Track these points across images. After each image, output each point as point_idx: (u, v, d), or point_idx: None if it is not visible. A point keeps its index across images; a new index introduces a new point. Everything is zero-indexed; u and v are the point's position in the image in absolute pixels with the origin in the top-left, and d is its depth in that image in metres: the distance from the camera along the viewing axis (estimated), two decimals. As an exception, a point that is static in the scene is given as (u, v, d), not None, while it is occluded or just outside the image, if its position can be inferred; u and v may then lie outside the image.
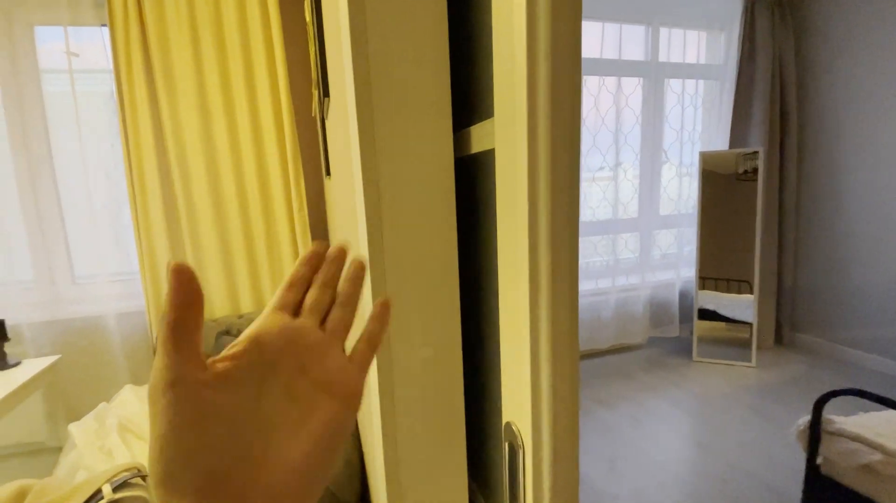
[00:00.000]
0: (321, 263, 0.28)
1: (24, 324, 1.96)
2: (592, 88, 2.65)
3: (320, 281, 0.27)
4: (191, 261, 2.06)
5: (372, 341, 0.27)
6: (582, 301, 2.81)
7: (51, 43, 1.96)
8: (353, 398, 0.25)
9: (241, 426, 0.22)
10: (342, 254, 0.28)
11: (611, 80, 2.65)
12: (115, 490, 0.71)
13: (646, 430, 2.06)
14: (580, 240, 2.86)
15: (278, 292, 0.27)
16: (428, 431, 0.46)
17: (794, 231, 2.92)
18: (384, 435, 0.43)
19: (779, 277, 2.96)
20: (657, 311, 3.02)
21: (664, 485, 1.71)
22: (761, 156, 2.57)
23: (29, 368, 1.64)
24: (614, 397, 2.37)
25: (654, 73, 2.78)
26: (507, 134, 0.41)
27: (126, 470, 0.78)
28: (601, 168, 2.76)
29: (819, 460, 1.27)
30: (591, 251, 2.90)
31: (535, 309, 0.33)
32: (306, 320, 0.26)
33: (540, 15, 0.35)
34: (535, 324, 0.34)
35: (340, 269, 0.28)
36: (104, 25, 1.94)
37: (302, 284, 0.27)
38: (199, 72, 2.00)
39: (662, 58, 2.81)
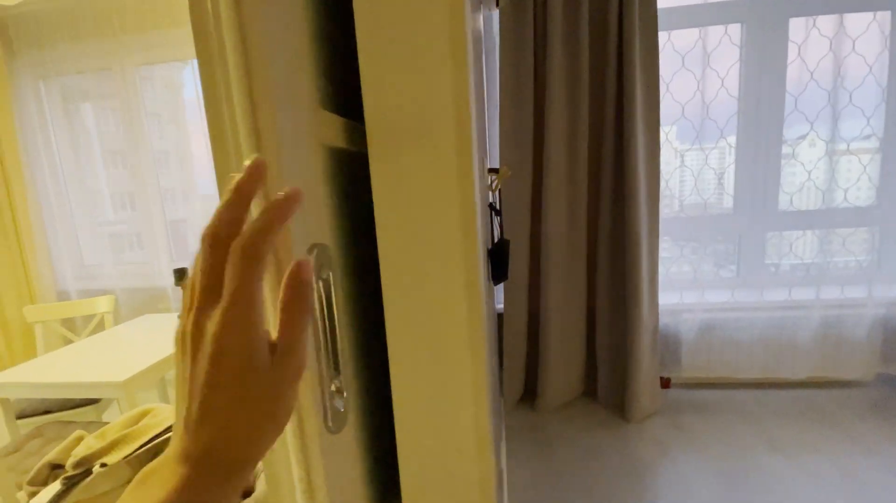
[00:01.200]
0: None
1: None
2: (796, 34, 1.99)
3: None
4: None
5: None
6: (764, 314, 2.20)
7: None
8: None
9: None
10: None
11: (826, 21, 1.95)
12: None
13: (834, 496, 1.51)
14: (770, 234, 2.23)
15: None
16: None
17: None
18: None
19: None
20: (893, 339, 2.15)
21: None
22: None
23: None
24: (797, 444, 1.80)
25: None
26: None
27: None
28: (801, 138, 2.07)
29: None
30: (784, 250, 2.24)
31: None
32: None
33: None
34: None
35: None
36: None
37: None
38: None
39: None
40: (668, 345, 2.31)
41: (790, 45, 2.02)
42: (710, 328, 2.26)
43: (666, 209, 2.29)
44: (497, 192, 1.37)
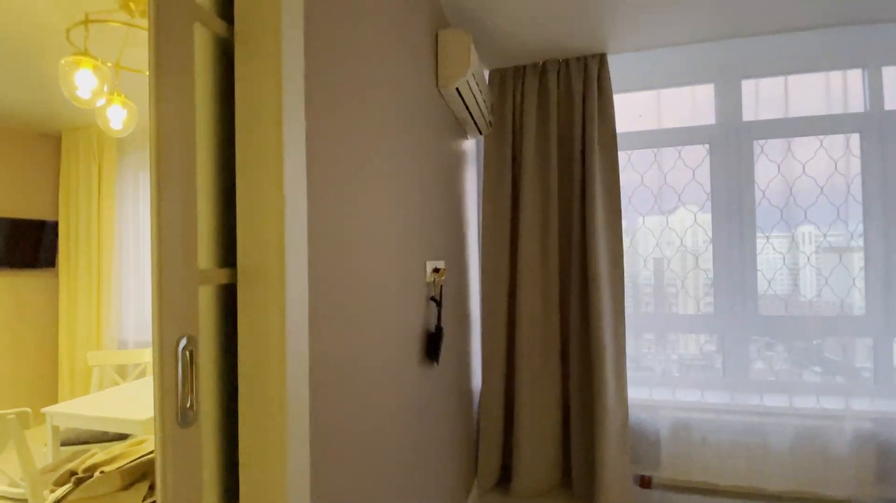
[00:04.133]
0: None
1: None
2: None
3: None
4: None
5: None
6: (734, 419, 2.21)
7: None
8: None
9: None
10: None
11: (774, 145, 2.19)
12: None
13: None
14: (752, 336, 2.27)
15: None
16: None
17: None
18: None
19: None
20: (890, 458, 2.06)
21: None
22: None
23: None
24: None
25: (878, 126, 2.15)
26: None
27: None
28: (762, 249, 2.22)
29: None
30: (752, 355, 2.28)
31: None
32: None
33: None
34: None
35: None
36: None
37: None
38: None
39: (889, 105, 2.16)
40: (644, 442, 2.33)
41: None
42: (687, 428, 2.28)
43: (644, 309, 2.45)
44: (439, 287, 1.68)
